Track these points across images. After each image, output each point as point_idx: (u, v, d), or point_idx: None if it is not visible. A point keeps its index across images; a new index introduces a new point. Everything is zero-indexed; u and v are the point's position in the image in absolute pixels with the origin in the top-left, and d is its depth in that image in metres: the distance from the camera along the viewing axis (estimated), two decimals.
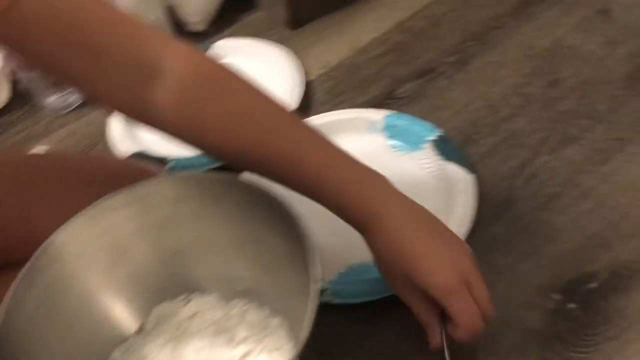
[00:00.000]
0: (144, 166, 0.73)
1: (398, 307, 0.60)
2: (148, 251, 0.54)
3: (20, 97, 0.94)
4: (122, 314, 0.55)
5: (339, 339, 0.59)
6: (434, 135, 0.72)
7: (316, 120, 0.77)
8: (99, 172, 0.69)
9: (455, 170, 0.68)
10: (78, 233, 0.50)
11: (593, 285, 0.59)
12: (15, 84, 0.93)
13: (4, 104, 0.92)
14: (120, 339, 0.54)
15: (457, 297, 0.46)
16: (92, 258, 0.51)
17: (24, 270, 0.48)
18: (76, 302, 0.52)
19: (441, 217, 0.65)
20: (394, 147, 0.74)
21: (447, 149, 0.71)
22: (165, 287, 0.56)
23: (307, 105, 0.83)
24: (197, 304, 0.57)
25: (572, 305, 0.58)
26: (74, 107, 0.91)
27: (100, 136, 0.85)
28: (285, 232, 0.47)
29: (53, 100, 0.89)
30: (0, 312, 0.45)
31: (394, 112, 0.76)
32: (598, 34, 0.83)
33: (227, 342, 0.53)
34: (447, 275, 0.46)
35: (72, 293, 0.52)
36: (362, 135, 0.76)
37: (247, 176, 0.52)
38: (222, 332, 0.54)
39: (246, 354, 0.51)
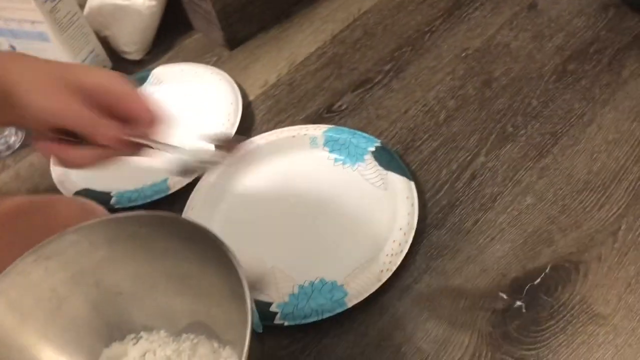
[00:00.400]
0: (88, 203, 0.72)
1: (349, 324, 0.60)
2: (88, 296, 0.54)
3: None
4: None
5: None
6: (373, 145, 0.73)
7: (258, 141, 0.77)
8: (42, 213, 0.68)
9: (396, 179, 0.69)
10: (7, 287, 0.48)
11: (537, 281, 0.60)
12: None
13: None
14: None
15: (125, 80, 0.48)
16: (29, 310, 0.50)
17: None
18: (19, 356, 0.51)
19: (389, 227, 0.66)
20: (337, 160, 0.74)
21: (386, 158, 0.71)
22: (112, 329, 0.56)
23: (249, 126, 0.82)
24: (147, 342, 0.56)
25: (519, 304, 0.59)
26: (15, 149, 0.89)
27: (44, 176, 0.84)
28: (222, 265, 0.47)
29: None
30: None
31: (334, 126, 0.76)
32: (527, 29, 0.85)
33: None
34: (107, 71, 0.48)
35: (14, 347, 0.50)
36: (305, 152, 0.76)
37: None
38: None
39: None
